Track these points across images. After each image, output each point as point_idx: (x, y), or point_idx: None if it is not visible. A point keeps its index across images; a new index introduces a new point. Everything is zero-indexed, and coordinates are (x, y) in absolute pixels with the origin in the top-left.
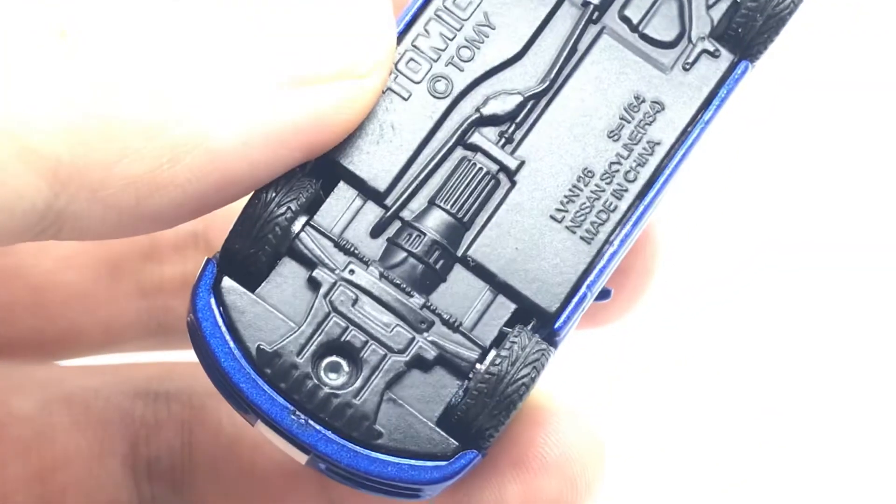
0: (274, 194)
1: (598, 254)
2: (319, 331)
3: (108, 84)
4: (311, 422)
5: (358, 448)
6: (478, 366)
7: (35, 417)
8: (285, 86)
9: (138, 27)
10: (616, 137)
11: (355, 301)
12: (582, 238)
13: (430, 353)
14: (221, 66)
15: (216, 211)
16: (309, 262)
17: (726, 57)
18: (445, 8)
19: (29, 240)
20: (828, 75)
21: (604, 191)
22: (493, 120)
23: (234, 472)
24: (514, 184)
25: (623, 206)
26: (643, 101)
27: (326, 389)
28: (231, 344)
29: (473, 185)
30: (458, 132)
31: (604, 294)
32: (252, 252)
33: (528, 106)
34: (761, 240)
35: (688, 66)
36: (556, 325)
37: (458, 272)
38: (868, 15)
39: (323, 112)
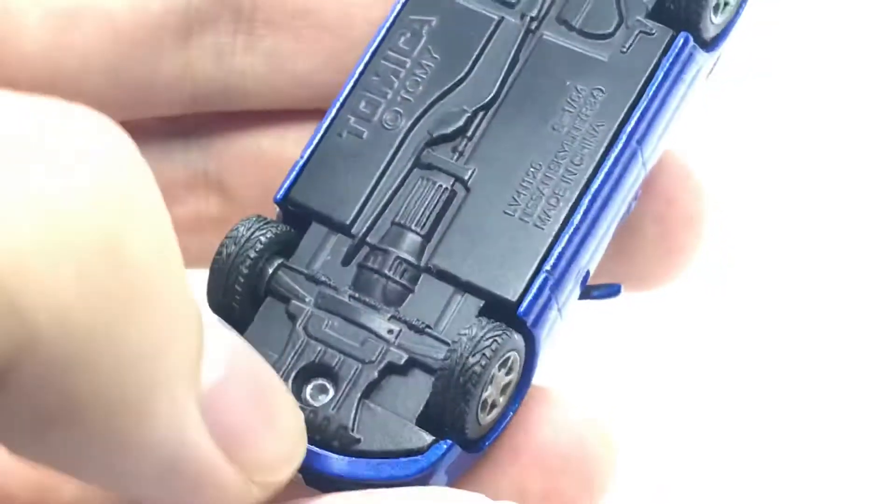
0: (233, 247)
1: (556, 238)
2: (299, 357)
3: None
4: None
5: (336, 456)
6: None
7: None
8: (221, 447)
9: None
10: (560, 128)
11: (328, 324)
12: (535, 226)
13: (401, 359)
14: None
15: (231, 151)
16: (286, 298)
17: (663, 33)
18: (391, 50)
19: None
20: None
21: (552, 178)
22: (444, 138)
23: None
24: (468, 191)
25: (573, 188)
26: (584, 91)
27: (308, 409)
28: None
29: (430, 201)
30: (414, 156)
31: (610, 291)
32: (226, 302)
33: (477, 119)
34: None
35: (625, 50)
36: (519, 311)
37: (426, 281)
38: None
39: (210, 485)
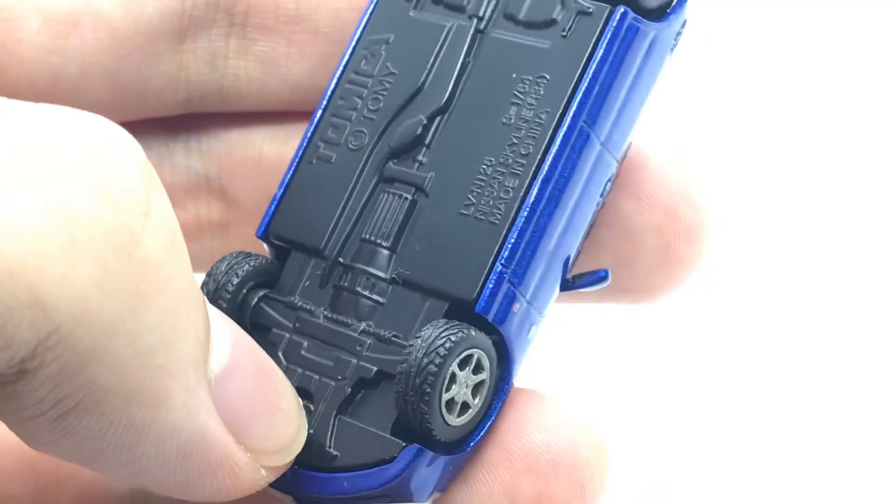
0: (212, 284)
1: (508, 231)
2: None
3: None
4: None
5: (317, 474)
6: None
7: None
8: (229, 429)
9: None
10: (509, 121)
11: (305, 348)
12: (490, 222)
13: (370, 372)
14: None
15: (232, 156)
16: (267, 328)
17: (600, 10)
18: (354, 73)
19: None
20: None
21: (503, 173)
22: (402, 149)
23: None
24: (427, 196)
25: (522, 180)
26: (528, 80)
27: None
28: None
29: (391, 212)
30: (378, 172)
31: (597, 278)
32: None
33: (433, 126)
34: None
35: (565, 34)
36: (477, 308)
37: (394, 292)
38: None
39: (223, 465)
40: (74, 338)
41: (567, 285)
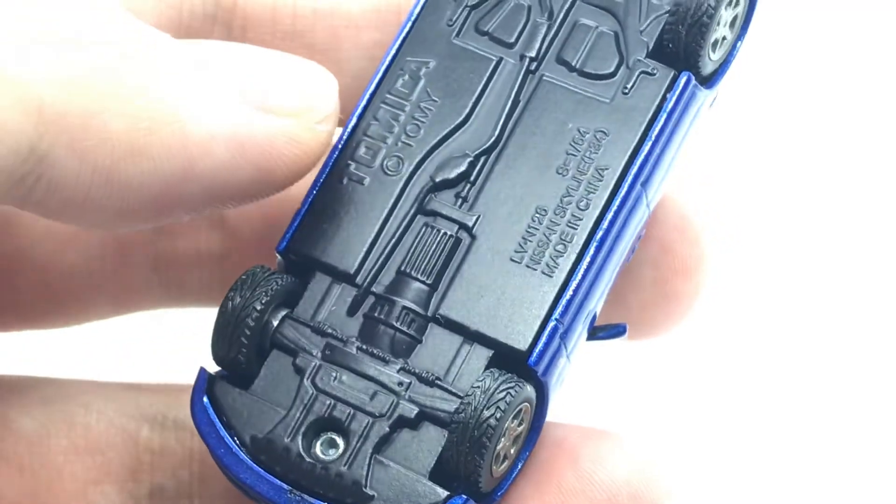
0: (238, 299)
1: (564, 285)
2: (308, 412)
3: (100, 43)
4: (306, 497)
5: None
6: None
7: (33, 437)
8: (252, 106)
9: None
10: (565, 172)
11: (336, 377)
12: (543, 273)
13: (411, 412)
14: (204, 74)
15: None
16: (293, 351)
17: (665, 73)
18: (389, 94)
19: (10, 189)
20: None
21: (558, 224)
22: (447, 184)
23: None
24: (474, 238)
25: (580, 234)
26: (587, 133)
27: (319, 465)
28: (227, 439)
29: (435, 248)
30: (417, 202)
31: (616, 332)
32: (232, 356)
33: (479, 164)
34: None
35: (627, 91)
36: (529, 361)
37: (434, 331)
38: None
39: (277, 138)
40: (72, 112)
41: (588, 336)
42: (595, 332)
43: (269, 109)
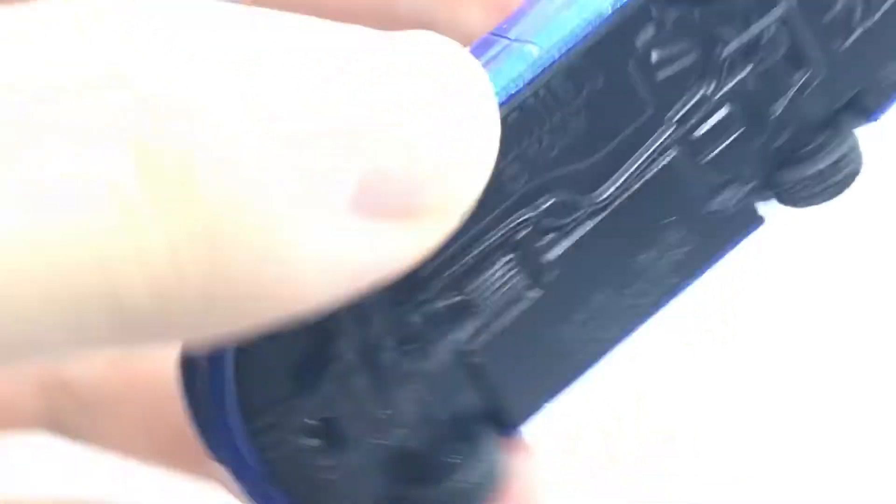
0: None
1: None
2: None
3: None
4: None
5: None
6: None
7: None
8: (368, 219)
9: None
10: (641, 265)
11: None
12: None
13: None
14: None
15: None
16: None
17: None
18: (546, 88)
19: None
20: None
21: (606, 315)
22: (543, 228)
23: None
24: (540, 291)
25: (617, 333)
26: (679, 234)
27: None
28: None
29: (498, 285)
30: (505, 229)
31: None
32: None
33: (578, 215)
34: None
35: (720, 210)
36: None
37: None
38: None
39: (391, 263)
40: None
41: None
42: None
43: (391, 215)
